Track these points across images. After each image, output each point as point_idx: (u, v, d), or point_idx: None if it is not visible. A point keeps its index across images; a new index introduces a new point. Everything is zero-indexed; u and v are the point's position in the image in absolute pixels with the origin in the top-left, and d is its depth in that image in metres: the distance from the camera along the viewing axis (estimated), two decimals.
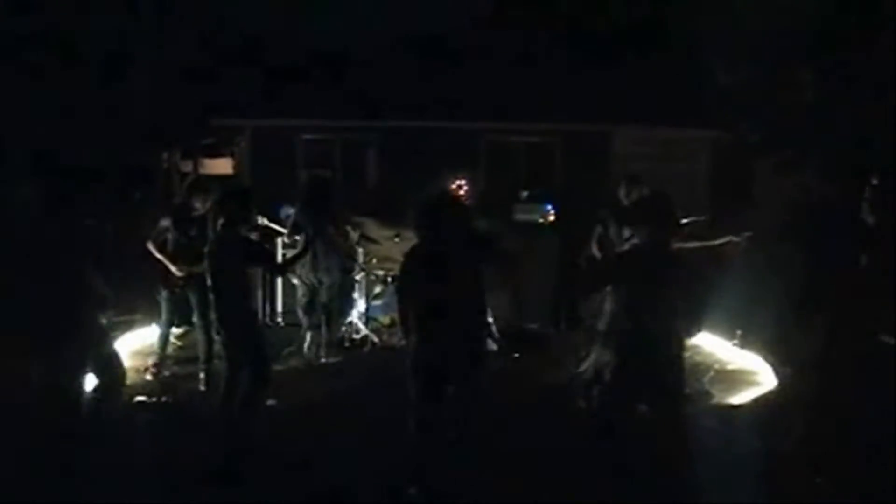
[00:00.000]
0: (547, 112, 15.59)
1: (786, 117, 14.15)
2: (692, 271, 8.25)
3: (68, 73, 14.74)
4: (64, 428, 6.01)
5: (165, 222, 8.68)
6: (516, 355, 9.72)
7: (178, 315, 9.12)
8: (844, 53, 13.67)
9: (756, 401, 8.22)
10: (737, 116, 14.77)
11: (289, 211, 10.15)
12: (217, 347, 7.79)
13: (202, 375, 8.60)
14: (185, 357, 9.29)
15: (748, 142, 15.03)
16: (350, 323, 10.24)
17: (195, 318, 8.76)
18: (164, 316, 8.97)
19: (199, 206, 8.44)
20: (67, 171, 14.03)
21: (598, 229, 8.48)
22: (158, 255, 8.58)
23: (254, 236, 7.30)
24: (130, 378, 8.46)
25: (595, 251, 8.46)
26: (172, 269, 8.54)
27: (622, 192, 8.35)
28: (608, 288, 6.41)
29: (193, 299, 8.61)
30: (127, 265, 10.03)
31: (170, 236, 8.60)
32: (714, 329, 9.96)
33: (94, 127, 15.28)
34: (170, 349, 9.26)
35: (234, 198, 6.67)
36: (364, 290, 10.43)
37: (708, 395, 8.29)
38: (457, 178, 11.75)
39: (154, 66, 16.26)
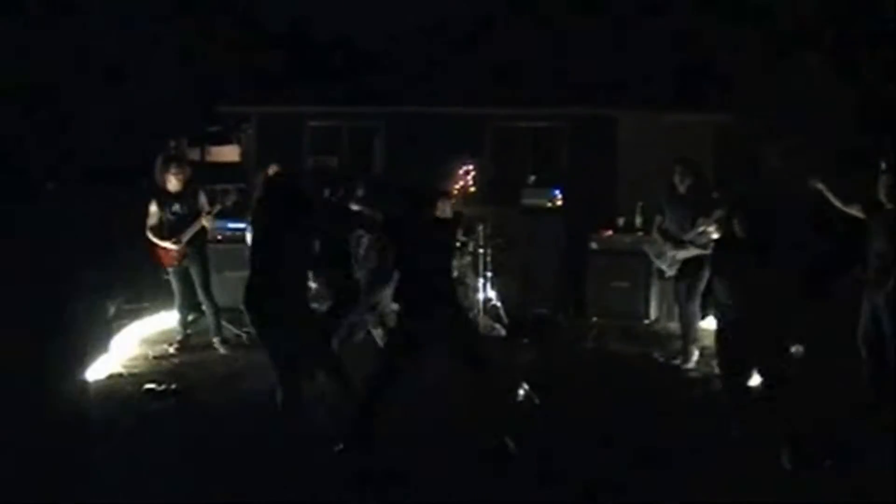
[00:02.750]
0: (552, 97, 15.57)
1: (791, 103, 14.11)
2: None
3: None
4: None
5: (153, 206, 9.00)
6: (525, 340, 9.73)
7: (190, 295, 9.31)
8: (849, 38, 13.64)
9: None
10: (742, 102, 14.73)
11: None
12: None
13: (216, 341, 9.16)
14: (192, 345, 9.33)
15: (753, 127, 15.00)
16: None
17: (198, 291, 9.06)
18: (176, 293, 9.21)
19: (174, 182, 8.93)
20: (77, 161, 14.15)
21: (658, 219, 8.63)
22: (155, 239, 8.96)
23: None
24: (140, 366, 8.57)
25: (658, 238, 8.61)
26: (167, 245, 8.92)
27: (676, 178, 8.46)
28: None
29: (194, 271, 8.96)
30: (136, 254, 10.11)
31: (162, 217, 8.88)
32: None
33: (101, 118, 15.33)
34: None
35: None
36: None
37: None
38: (464, 164, 11.74)
39: (161, 55, 16.29)
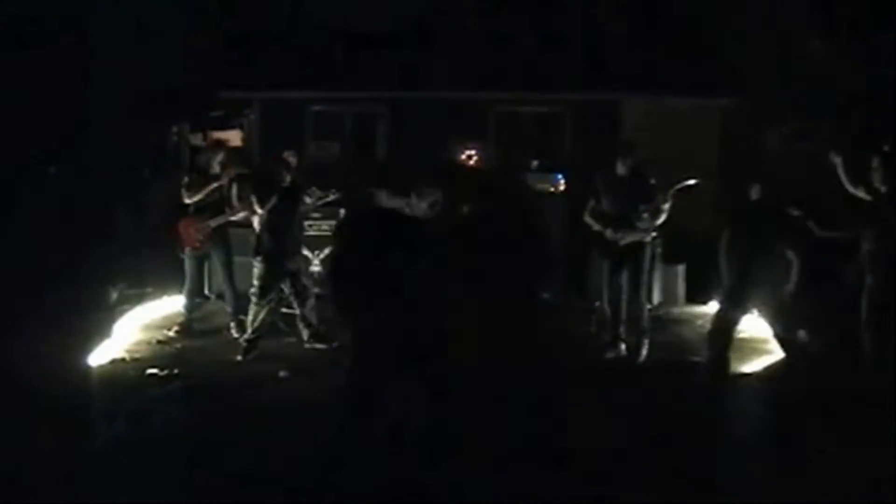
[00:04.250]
0: (556, 82, 15.52)
1: (796, 86, 14.08)
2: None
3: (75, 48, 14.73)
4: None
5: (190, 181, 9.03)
6: None
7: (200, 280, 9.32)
8: (856, 21, 13.59)
9: (766, 369, 8.22)
10: (747, 85, 14.69)
11: None
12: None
13: (233, 324, 9.04)
14: (195, 330, 9.33)
15: (758, 111, 14.96)
16: None
17: (222, 276, 9.07)
18: (188, 278, 9.19)
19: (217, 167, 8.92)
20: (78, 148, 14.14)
21: (591, 202, 8.51)
22: (189, 199, 8.87)
23: None
24: (143, 351, 8.57)
25: (590, 222, 8.48)
26: (189, 227, 8.87)
27: (619, 161, 8.34)
28: None
29: (217, 256, 8.94)
30: (139, 239, 10.12)
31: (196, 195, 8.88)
32: None
33: (103, 103, 15.30)
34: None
35: None
36: None
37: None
38: (467, 148, 11.73)
39: (163, 40, 16.25)
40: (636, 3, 15.95)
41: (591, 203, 8.46)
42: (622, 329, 8.45)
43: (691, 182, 8.25)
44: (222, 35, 16.77)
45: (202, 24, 17.17)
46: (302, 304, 8.53)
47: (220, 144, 9.36)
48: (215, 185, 8.81)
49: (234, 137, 18.17)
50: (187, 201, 8.88)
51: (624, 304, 8.42)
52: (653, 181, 8.30)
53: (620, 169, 8.29)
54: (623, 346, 8.45)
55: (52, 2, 15.17)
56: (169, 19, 16.95)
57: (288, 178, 8.44)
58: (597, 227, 8.36)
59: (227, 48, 16.55)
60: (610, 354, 8.42)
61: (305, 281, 8.66)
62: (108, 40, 15.78)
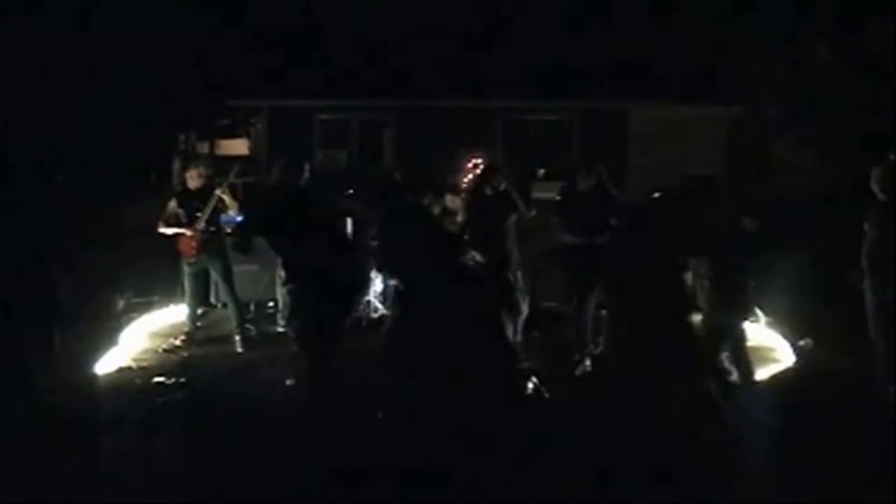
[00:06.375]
0: (563, 90, 15.54)
1: (804, 94, 14.08)
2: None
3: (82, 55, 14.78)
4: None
5: (172, 202, 9.01)
6: (535, 334, 9.69)
7: (201, 290, 9.33)
8: (863, 28, 13.59)
9: (774, 377, 8.18)
10: (755, 94, 14.70)
11: None
12: None
13: (238, 338, 8.98)
14: (200, 338, 9.33)
15: (766, 119, 14.97)
16: (367, 302, 10.15)
17: (222, 287, 9.09)
18: (187, 290, 9.18)
19: (195, 180, 8.90)
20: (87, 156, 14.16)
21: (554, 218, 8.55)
22: (170, 231, 8.94)
23: None
24: (149, 359, 8.58)
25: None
26: (184, 231, 8.86)
27: (579, 176, 8.34)
28: None
29: (215, 268, 8.93)
30: (146, 248, 10.13)
31: (181, 216, 8.83)
32: None
33: (109, 112, 15.34)
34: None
35: None
36: None
37: (726, 371, 8.24)
38: (474, 156, 11.72)
39: (170, 48, 16.31)
40: (643, 11, 15.96)
41: (556, 220, 8.49)
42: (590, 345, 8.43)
43: None
44: (230, 43, 16.84)
45: (210, 33, 17.23)
46: None
47: (193, 159, 9.49)
48: (172, 205, 8.94)
49: (241, 146, 18.23)
50: (165, 215, 8.99)
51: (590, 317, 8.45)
52: (614, 192, 8.34)
53: (581, 185, 8.29)
54: (588, 362, 8.38)
55: (58, 6, 15.23)
56: (178, 27, 17.03)
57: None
58: (566, 238, 8.39)
59: (235, 57, 16.62)
60: (577, 371, 8.37)
61: None
62: (116, 47, 15.84)
